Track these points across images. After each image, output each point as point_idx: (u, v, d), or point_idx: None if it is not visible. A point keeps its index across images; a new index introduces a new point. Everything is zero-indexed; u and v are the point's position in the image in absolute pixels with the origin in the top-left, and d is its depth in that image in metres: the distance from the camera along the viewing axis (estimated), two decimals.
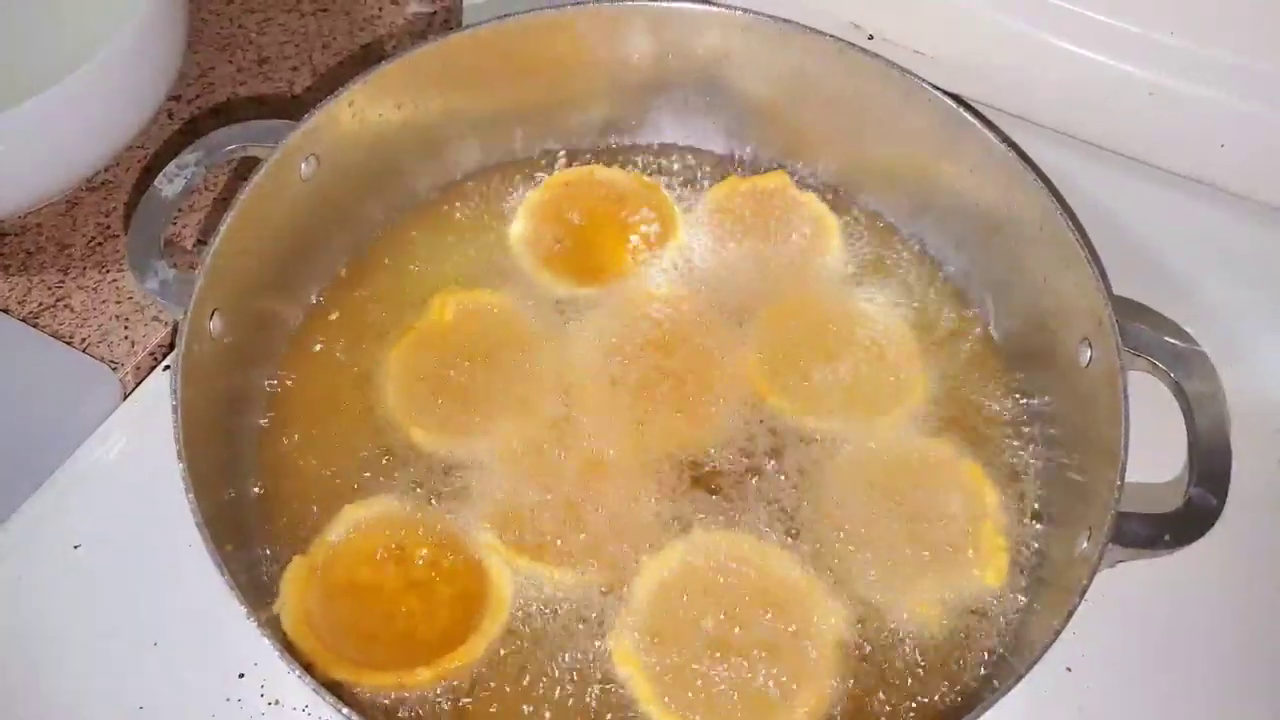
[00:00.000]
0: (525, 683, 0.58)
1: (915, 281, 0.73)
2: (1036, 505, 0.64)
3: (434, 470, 0.64)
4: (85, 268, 0.76)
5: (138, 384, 0.72)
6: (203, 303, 0.59)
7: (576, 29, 0.71)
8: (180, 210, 0.75)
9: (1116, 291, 0.70)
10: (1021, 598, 0.61)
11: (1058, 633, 0.52)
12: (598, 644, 0.59)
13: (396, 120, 0.69)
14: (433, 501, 0.63)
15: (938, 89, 0.67)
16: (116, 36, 0.68)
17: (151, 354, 0.73)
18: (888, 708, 0.58)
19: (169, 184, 0.63)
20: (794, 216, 0.75)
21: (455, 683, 0.57)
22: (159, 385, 0.72)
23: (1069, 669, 0.63)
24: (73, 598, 0.63)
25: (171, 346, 0.73)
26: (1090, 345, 0.61)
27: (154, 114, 0.75)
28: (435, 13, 0.91)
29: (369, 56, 0.89)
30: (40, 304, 0.74)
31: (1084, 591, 0.53)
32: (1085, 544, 0.56)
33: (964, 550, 0.62)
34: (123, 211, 0.79)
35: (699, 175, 0.78)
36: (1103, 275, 0.62)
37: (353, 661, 0.56)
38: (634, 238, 0.73)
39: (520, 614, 0.59)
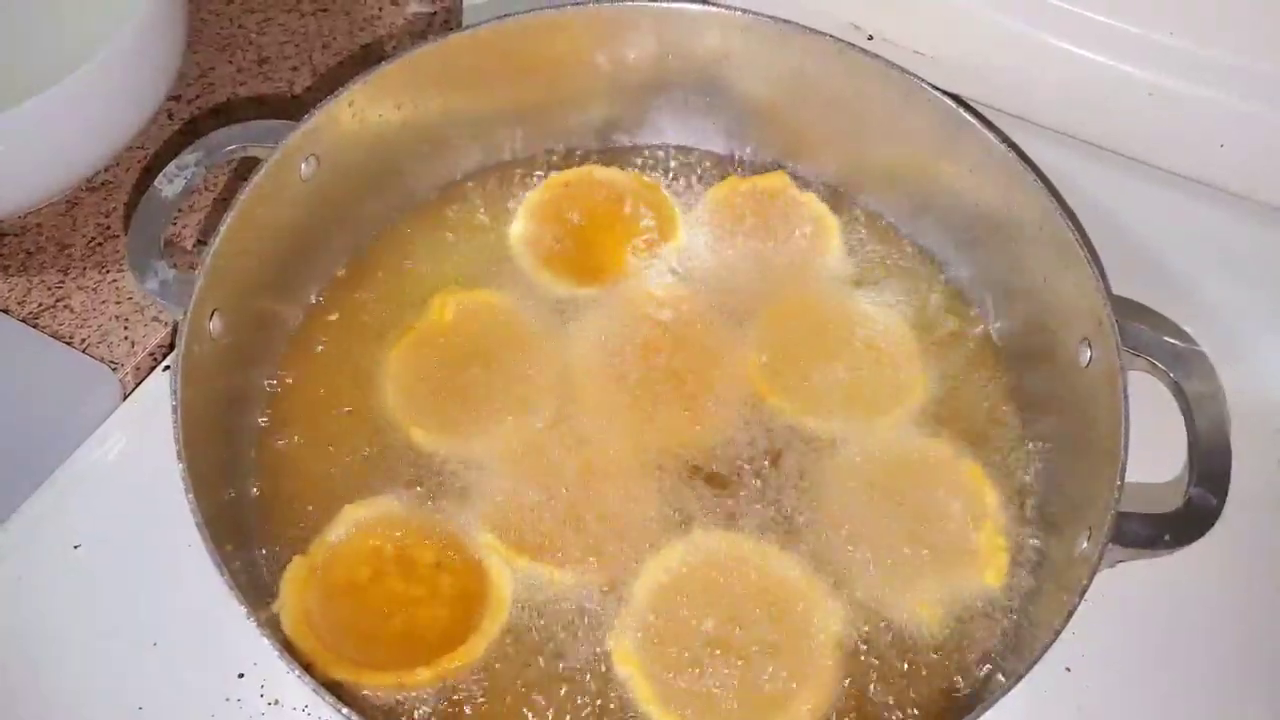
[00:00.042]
0: (525, 683, 0.58)
1: (915, 281, 0.73)
2: (1036, 505, 0.64)
3: (434, 470, 0.64)
4: (85, 268, 0.76)
5: (137, 384, 0.72)
6: (202, 303, 0.59)
7: (576, 29, 0.71)
8: (180, 210, 0.75)
9: (1116, 291, 0.70)
10: (1021, 597, 0.61)
11: (1058, 633, 0.52)
12: (598, 644, 0.59)
13: (396, 120, 0.69)
14: (432, 501, 0.63)
15: (937, 89, 0.67)
16: (116, 36, 0.68)
17: (151, 354, 0.73)
18: (887, 707, 0.58)
19: (169, 184, 0.63)
20: (794, 216, 0.75)
21: (455, 683, 0.58)
22: (159, 385, 0.72)
23: (1068, 669, 0.63)
24: (72, 598, 0.63)
25: (171, 347, 0.73)
26: (1090, 345, 0.61)
27: (154, 114, 0.75)
28: (435, 13, 0.91)
29: (369, 57, 0.89)
30: (40, 304, 0.74)
31: (1084, 591, 0.53)
32: (1085, 544, 0.56)
33: (964, 550, 0.62)
34: (123, 212, 0.79)
35: (699, 175, 0.78)
36: (1102, 275, 0.62)
37: (352, 661, 0.56)
38: (634, 238, 0.73)
39: (520, 614, 0.59)
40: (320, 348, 0.69)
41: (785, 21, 0.69)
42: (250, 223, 0.62)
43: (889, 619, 0.60)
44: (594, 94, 0.75)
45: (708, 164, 0.78)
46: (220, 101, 0.85)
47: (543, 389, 0.67)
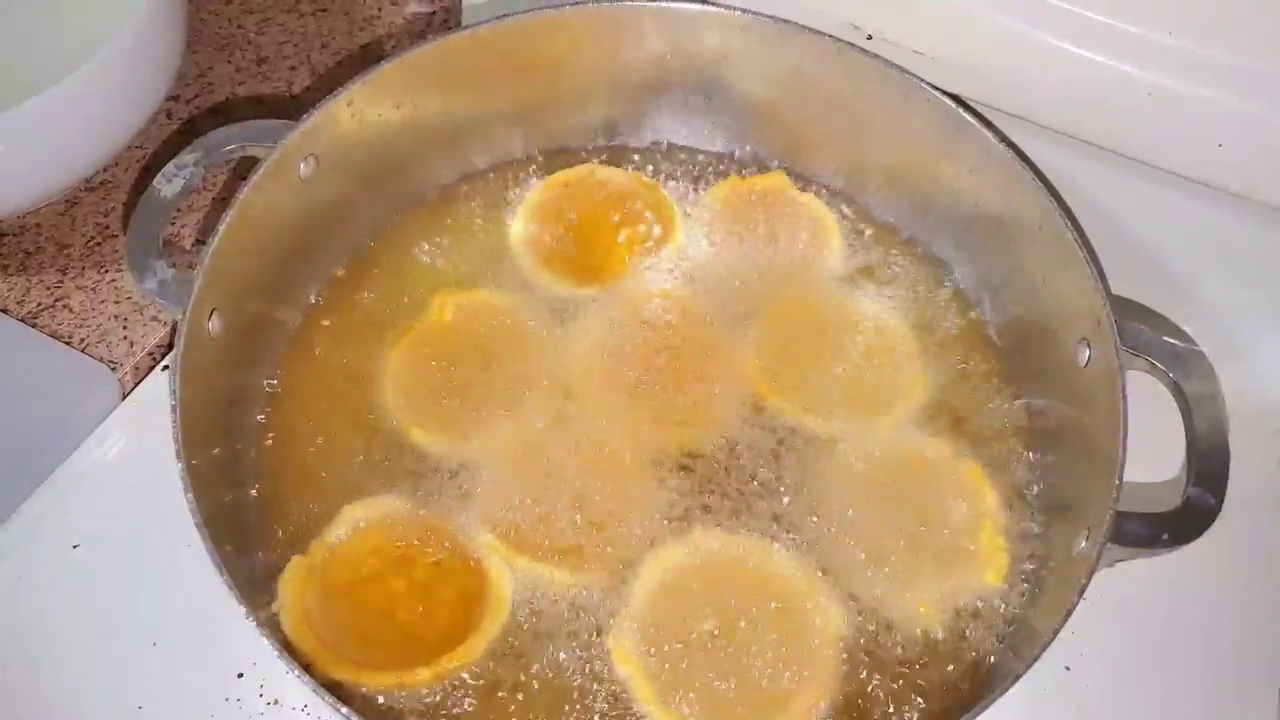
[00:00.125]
0: (525, 683, 0.58)
1: (914, 281, 0.73)
2: (1036, 505, 0.64)
3: (433, 470, 0.64)
4: (84, 268, 0.76)
5: (137, 384, 0.72)
6: (201, 303, 0.59)
7: (575, 29, 0.71)
8: (179, 210, 0.76)
9: (1115, 291, 0.70)
10: (1020, 597, 0.61)
11: (1056, 632, 0.52)
12: (597, 644, 0.59)
13: (396, 120, 0.69)
14: (432, 501, 0.63)
15: (937, 89, 0.67)
16: (116, 36, 0.68)
17: (150, 354, 0.73)
18: (887, 707, 0.58)
19: (168, 184, 0.63)
20: (793, 217, 0.75)
21: (455, 683, 0.57)
22: (158, 385, 0.72)
23: (1068, 668, 0.63)
24: (72, 598, 0.63)
25: (170, 346, 0.73)
26: (1089, 345, 0.61)
27: (153, 114, 0.75)
28: (434, 13, 0.91)
29: (368, 56, 0.89)
30: (39, 304, 0.74)
31: (1083, 590, 0.53)
32: (1084, 543, 0.56)
33: (963, 550, 0.62)
34: (121, 211, 0.79)
35: (699, 175, 0.78)
36: (1101, 275, 0.62)
37: (352, 661, 0.56)
38: (634, 238, 0.73)
39: (520, 614, 0.59)
40: (319, 348, 0.69)
41: (785, 21, 0.69)
42: (249, 222, 0.62)
43: (889, 618, 0.60)
44: (594, 94, 0.75)
45: (707, 164, 0.78)
46: (219, 101, 0.85)
47: (542, 389, 0.67)
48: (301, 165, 0.65)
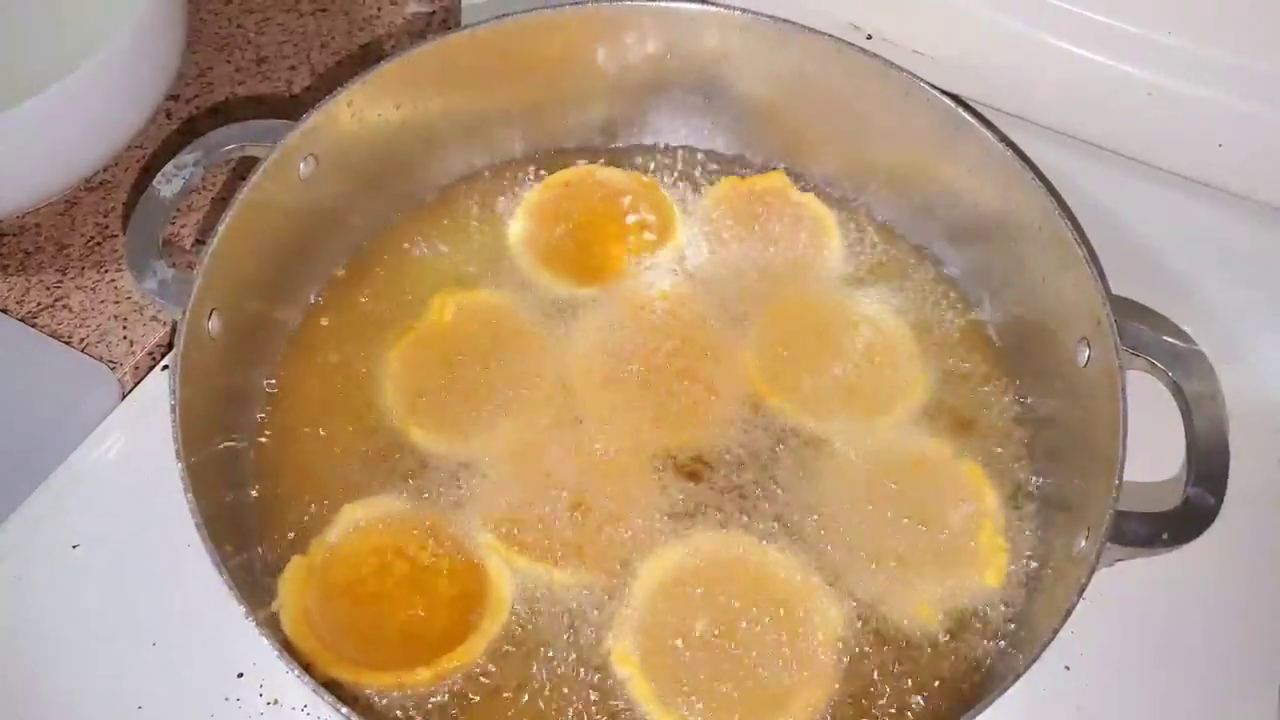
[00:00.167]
0: (524, 683, 0.58)
1: (914, 281, 0.73)
2: (1035, 504, 0.64)
3: (433, 470, 0.64)
4: (84, 267, 0.76)
5: (136, 384, 0.72)
6: (201, 302, 0.59)
7: (575, 29, 0.71)
8: (178, 210, 0.76)
9: (1115, 291, 0.70)
10: (1020, 596, 0.61)
11: (1056, 631, 0.52)
12: (597, 644, 0.59)
13: (395, 120, 0.69)
14: (432, 501, 0.63)
15: (937, 89, 0.67)
16: (115, 36, 0.68)
17: (150, 354, 0.73)
18: (887, 707, 0.58)
19: (167, 184, 0.63)
20: (793, 217, 0.75)
21: (455, 682, 0.57)
22: (157, 385, 0.72)
23: (1067, 667, 0.63)
24: (71, 598, 0.63)
25: (170, 346, 0.73)
26: (1089, 345, 0.61)
27: (152, 114, 0.75)
28: (434, 12, 0.91)
29: (368, 56, 0.89)
30: (39, 304, 0.74)
31: (1082, 590, 0.53)
32: (1084, 543, 0.56)
33: (963, 550, 0.62)
34: (121, 211, 0.79)
35: (698, 175, 0.78)
36: (1101, 275, 0.62)
37: (352, 661, 0.56)
38: (633, 238, 0.73)
39: (520, 614, 0.59)
40: (319, 347, 0.69)
41: (784, 21, 0.69)
42: (249, 222, 0.62)
43: (888, 618, 0.60)
44: (593, 94, 0.75)
45: (707, 164, 0.78)
46: (219, 101, 0.85)
47: (542, 389, 0.67)
48: (301, 165, 0.65)
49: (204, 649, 0.61)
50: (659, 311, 0.70)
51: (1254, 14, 0.67)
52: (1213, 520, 0.56)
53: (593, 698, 0.58)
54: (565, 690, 0.58)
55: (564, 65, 0.73)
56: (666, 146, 0.79)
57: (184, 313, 0.57)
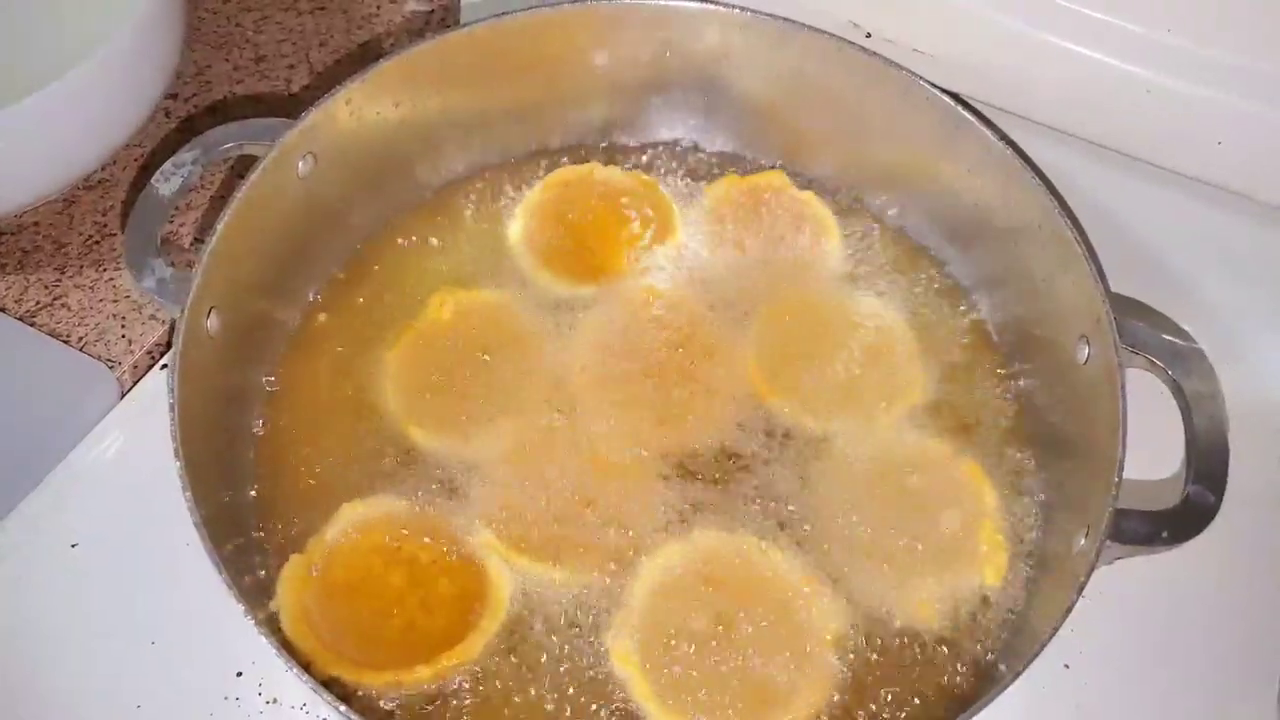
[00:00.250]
0: (523, 682, 0.58)
1: (914, 280, 0.73)
2: (1035, 503, 0.64)
3: (432, 469, 0.64)
4: (82, 266, 0.76)
5: (135, 383, 0.72)
6: (200, 301, 0.58)
7: (574, 27, 0.71)
8: (177, 209, 0.76)
9: (1115, 290, 0.70)
10: (1020, 595, 0.61)
11: (1056, 630, 0.52)
12: (596, 643, 0.59)
13: (394, 119, 0.69)
14: (431, 500, 0.63)
15: (936, 87, 0.67)
16: (114, 35, 0.68)
17: (149, 353, 0.73)
18: (886, 705, 0.58)
19: (166, 182, 0.63)
20: (793, 215, 0.75)
21: (454, 681, 0.57)
22: (156, 384, 0.71)
23: (1067, 666, 0.63)
24: (70, 597, 0.63)
25: (169, 345, 0.73)
26: (1088, 343, 0.61)
27: (151, 112, 0.75)
28: (433, 11, 0.91)
29: (366, 55, 0.88)
30: (37, 302, 0.74)
31: (1082, 588, 0.53)
32: (1083, 541, 0.56)
33: (963, 549, 0.62)
34: (120, 210, 0.79)
35: (698, 174, 0.77)
36: (1101, 273, 0.62)
37: (351, 660, 0.56)
38: (633, 236, 0.73)
39: (519, 613, 0.59)
40: (318, 346, 0.69)
41: (784, 19, 0.69)
42: (247, 221, 0.62)
43: (888, 617, 0.60)
44: (592, 92, 0.75)
45: (707, 162, 0.78)
46: (217, 100, 0.85)
47: (541, 388, 0.67)
48: (300, 164, 0.65)
49: (203, 648, 0.61)
50: (658, 310, 0.70)
51: (1254, 13, 0.67)
52: (1212, 518, 0.56)
53: (592, 697, 0.58)
54: (564, 689, 0.58)
55: (563, 64, 0.73)
56: (666, 145, 0.79)
57: (183, 311, 0.57)
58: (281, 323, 0.69)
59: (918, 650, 0.60)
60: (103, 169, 0.80)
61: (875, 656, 0.59)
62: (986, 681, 0.59)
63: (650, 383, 0.67)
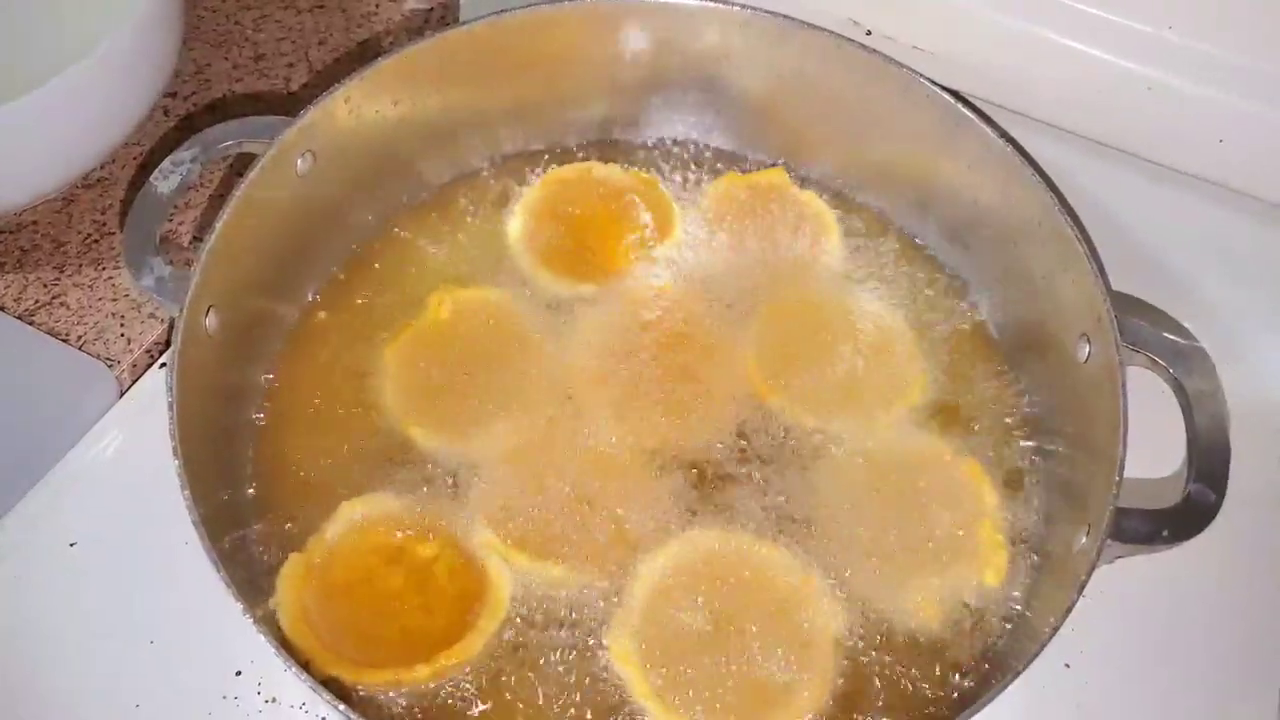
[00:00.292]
0: (523, 681, 0.58)
1: (914, 279, 0.73)
2: (1035, 502, 0.64)
3: (432, 467, 0.64)
4: (81, 265, 0.76)
5: (134, 381, 0.72)
6: (199, 299, 0.58)
7: (573, 25, 0.71)
8: (176, 207, 0.75)
9: (1115, 288, 0.70)
10: (1020, 594, 0.61)
11: (1056, 629, 0.52)
12: (596, 642, 0.59)
13: (393, 117, 0.69)
14: (430, 499, 0.62)
15: (936, 84, 0.67)
16: (113, 34, 0.68)
17: (148, 351, 0.73)
18: (886, 704, 0.58)
19: (164, 180, 0.62)
20: (793, 214, 0.75)
21: (452, 680, 0.57)
22: (155, 383, 0.71)
23: (1067, 665, 0.63)
24: (68, 596, 0.63)
25: (168, 344, 0.73)
26: (1089, 341, 0.61)
27: (150, 111, 0.75)
28: (432, 9, 0.91)
29: (366, 53, 0.88)
30: (36, 301, 0.74)
31: (1082, 587, 0.53)
32: (1084, 540, 0.56)
33: (963, 548, 0.62)
34: (118, 208, 0.79)
35: (697, 172, 0.77)
36: (1101, 271, 0.62)
37: (350, 659, 0.56)
38: (632, 235, 0.73)
39: (518, 612, 0.59)
40: (317, 345, 0.69)
41: (784, 17, 0.69)
42: (246, 219, 0.62)
43: (888, 616, 0.60)
44: (592, 90, 0.75)
45: (706, 161, 0.78)
46: (216, 98, 0.85)
47: (541, 387, 0.67)
48: (299, 162, 0.65)
49: (202, 647, 0.61)
50: (658, 309, 0.70)
51: (1255, 10, 0.67)
52: (1213, 517, 0.56)
53: (591, 696, 0.57)
54: (564, 688, 0.58)
55: (562, 62, 0.73)
56: (666, 143, 0.78)
57: (181, 310, 0.57)
58: (280, 321, 0.69)
59: (917, 649, 0.59)
60: (101, 167, 0.80)
61: (875, 656, 0.59)
62: (986, 681, 0.59)
63: (650, 382, 0.67)
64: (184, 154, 0.63)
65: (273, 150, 0.62)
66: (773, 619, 0.59)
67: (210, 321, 0.60)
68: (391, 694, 0.57)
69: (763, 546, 0.61)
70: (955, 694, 0.59)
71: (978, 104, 0.69)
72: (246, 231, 0.62)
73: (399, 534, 0.61)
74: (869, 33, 0.73)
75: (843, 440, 0.66)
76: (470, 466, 0.64)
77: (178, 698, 0.60)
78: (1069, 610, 0.52)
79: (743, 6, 0.69)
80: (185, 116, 0.84)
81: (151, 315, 0.73)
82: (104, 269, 0.75)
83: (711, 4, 0.70)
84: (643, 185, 0.75)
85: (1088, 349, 0.61)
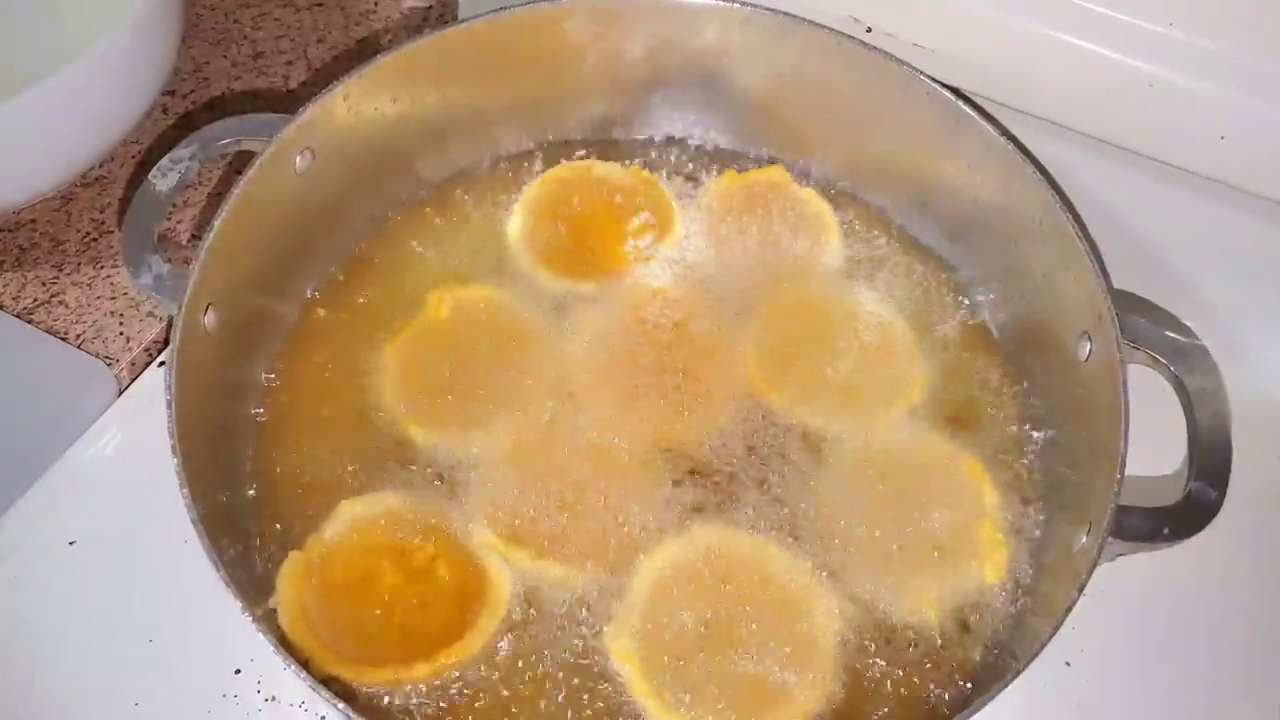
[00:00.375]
0: (522, 679, 0.58)
1: (914, 277, 0.73)
2: (1036, 500, 0.64)
3: (431, 466, 0.64)
4: (80, 263, 0.75)
5: (133, 380, 0.72)
6: (197, 298, 0.58)
7: (573, 23, 0.71)
8: (175, 205, 0.75)
9: (1117, 286, 0.70)
10: (1020, 592, 0.61)
11: (1057, 627, 0.52)
12: (595, 640, 0.59)
13: (392, 114, 0.69)
14: (430, 498, 0.62)
15: (937, 82, 0.67)
16: (112, 32, 0.67)
17: (147, 350, 0.73)
18: (886, 703, 0.58)
19: (163, 178, 0.62)
20: (792, 212, 0.74)
21: (452, 679, 0.57)
22: (154, 381, 0.71)
23: (1068, 663, 0.63)
24: (68, 594, 0.63)
25: (166, 342, 0.72)
26: (1090, 339, 0.61)
27: (149, 109, 0.75)
28: (431, 7, 0.91)
29: (364, 51, 0.88)
30: (35, 300, 0.74)
31: (1083, 586, 0.53)
32: (1085, 538, 0.56)
33: (963, 546, 0.62)
34: (117, 207, 0.78)
35: (697, 170, 0.77)
36: (1102, 269, 0.62)
37: (349, 657, 0.56)
38: (632, 233, 0.73)
39: (518, 611, 0.59)
40: (316, 342, 0.68)
41: (784, 14, 0.69)
42: (245, 217, 0.62)
43: (888, 615, 0.60)
44: (592, 88, 0.75)
45: (706, 159, 0.78)
46: (215, 96, 0.85)
47: (540, 385, 0.67)
48: (297, 159, 0.65)
49: (201, 645, 0.61)
50: (658, 307, 0.70)
51: (1256, 8, 0.67)
52: (1215, 515, 0.56)
53: (591, 694, 0.57)
54: (563, 687, 0.58)
55: (562, 60, 0.73)
56: (665, 141, 0.78)
57: (180, 308, 0.57)
58: (279, 319, 0.68)
59: (917, 648, 0.59)
60: (100, 166, 0.80)
61: (875, 655, 0.59)
62: (987, 679, 0.58)
63: (649, 380, 0.67)
64: (182, 152, 0.63)
65: (271, 148, 0.62)
66: (772, 618, 0.59)
67: (209, 320, 0.60)
68: (391, 692, 0.57)
69: (762, 545, 0.61)
70: (955, 693, 0.58)
71: (978, 101, 0.69)
72: (245, 229, 0.62)
73: (398, 533, 0.60)
74: (869, 30, 0.73)
75: (843, 439, 0.66)
76: (470, 465, 0.64)
77: (177, 696, 0.60)
78: (1069, 609, 0.52)
79: (743, 4, 0.69)
80: (184, 114, 0.83)
81: (150, 313, 0.73)
82: (103, 267, 0.75)
83: (711, 1, 0.70)
84: (642, 184, 0.75)
85: (1089, 347, 0.61)
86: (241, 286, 0.63)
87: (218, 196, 0.78)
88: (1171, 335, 0.61)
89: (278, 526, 0.62)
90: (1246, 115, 0.68)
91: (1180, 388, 0.60)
